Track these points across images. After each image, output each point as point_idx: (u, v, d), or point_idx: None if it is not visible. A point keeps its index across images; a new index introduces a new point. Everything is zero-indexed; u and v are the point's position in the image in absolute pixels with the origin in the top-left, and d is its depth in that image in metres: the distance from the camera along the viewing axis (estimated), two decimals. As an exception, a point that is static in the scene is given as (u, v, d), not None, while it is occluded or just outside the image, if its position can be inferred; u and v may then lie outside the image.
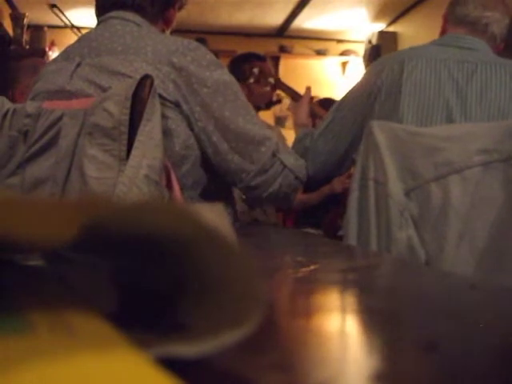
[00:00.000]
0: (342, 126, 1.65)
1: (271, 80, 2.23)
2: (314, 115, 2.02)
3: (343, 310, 0.45)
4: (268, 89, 2.35)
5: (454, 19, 1.63)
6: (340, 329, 0.39)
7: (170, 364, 0.20)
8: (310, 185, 1.77)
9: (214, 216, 0.27)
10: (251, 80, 2.26)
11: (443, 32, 1.68)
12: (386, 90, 1.53)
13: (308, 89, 2.02)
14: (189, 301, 0.27)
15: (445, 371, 0.28)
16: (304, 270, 0.59)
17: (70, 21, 4.50)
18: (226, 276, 0.25)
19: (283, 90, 2.24)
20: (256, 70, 2.23)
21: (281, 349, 0.32)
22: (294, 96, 2.15)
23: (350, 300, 0.49)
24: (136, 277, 0.30)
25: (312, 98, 2.06)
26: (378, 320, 0.39)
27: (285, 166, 1.32)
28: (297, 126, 1.95)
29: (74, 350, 0.19)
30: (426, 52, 1.57)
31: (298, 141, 1.79)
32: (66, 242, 0.24)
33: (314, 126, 1.94)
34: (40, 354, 0.19)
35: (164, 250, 0.27)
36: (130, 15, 1.35)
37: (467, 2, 1.61)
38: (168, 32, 1.48)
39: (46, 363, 0.18)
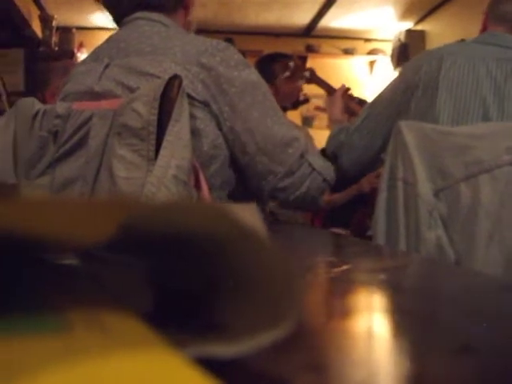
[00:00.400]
0: (376, 123, 1.64)
1: (307, 74, 2.23)
2: (350, 112, 2.01)
3: (377, 311, 0.45)
4: (302, 82, 2.35)
5: (494, 17, 1.61)
6: (373, 330, 0.39)
7: (204, 364, 0.20)
8: (343, 179, 1.76)
9: (248, 215, 0.27)
10: (287, 73, 2.27)
11: (483, 29, 1.66)
12: (424, 86, 1.51)
13: (343, 85, 2.02)
14: (223, 300, 0.27)
15: (479, 374, 0.28)
16: (336, 270, 0.59)
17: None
18: (262, 274, 0.25)
19: (318, 84, 2.23)
20: (292, 64, 2.23)
21: (315, 349, 0.32)
22: (329, 90, 2.14)
23: (384, 301, 0.48)
24: (169, 277, 0.30)
25: (348, 89, 2.05)
26: (411, 321, 0.38)
27: (313, 169, 1.30)
28: (331, 122, 1.95)
29: (108, 349, 0.19)
30: (464, 49, 1.55)
31: (332, 136, 1.79)
32: (100, 242, 0.24)
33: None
34: (74, 353, 0.19)
35: (197, 249, 0.27)
36: (155, 16, 1.35)
37: (510, 0, 1.59)
38: (191, 22, 1.48)
39: (80, 362, 0.18)
